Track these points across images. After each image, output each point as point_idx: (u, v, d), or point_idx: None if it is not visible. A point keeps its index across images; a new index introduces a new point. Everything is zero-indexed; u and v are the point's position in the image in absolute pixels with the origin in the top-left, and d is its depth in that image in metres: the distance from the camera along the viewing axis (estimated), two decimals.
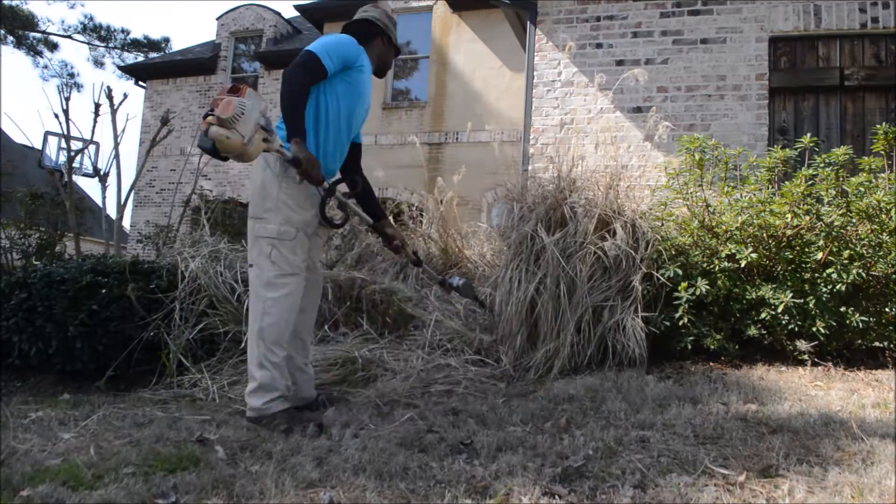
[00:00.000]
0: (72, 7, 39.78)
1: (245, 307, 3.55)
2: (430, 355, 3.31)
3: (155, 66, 15.00)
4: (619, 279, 3.46)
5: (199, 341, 3.47)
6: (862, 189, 3.46)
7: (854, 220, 3.44)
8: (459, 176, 5.23)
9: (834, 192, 3.49)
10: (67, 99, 6.11)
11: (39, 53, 19.58)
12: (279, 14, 14.21)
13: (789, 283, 3.38)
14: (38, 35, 19.35)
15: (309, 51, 2.54)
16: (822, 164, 3.58)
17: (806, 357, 3.34)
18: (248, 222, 2.59)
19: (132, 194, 7.00)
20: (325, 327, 3.59)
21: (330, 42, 2.61)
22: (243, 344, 3.40)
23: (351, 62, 2.64)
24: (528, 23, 6.08)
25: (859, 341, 3.43)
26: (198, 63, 14.01)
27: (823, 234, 3.40)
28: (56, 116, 6.13)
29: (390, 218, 3.17)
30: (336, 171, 2.80)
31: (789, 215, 3.45)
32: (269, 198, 2.52)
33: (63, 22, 35.13)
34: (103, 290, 3.57)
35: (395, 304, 3.76)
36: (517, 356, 3.36)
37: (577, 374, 3.17)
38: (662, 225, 3.88)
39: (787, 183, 3.55)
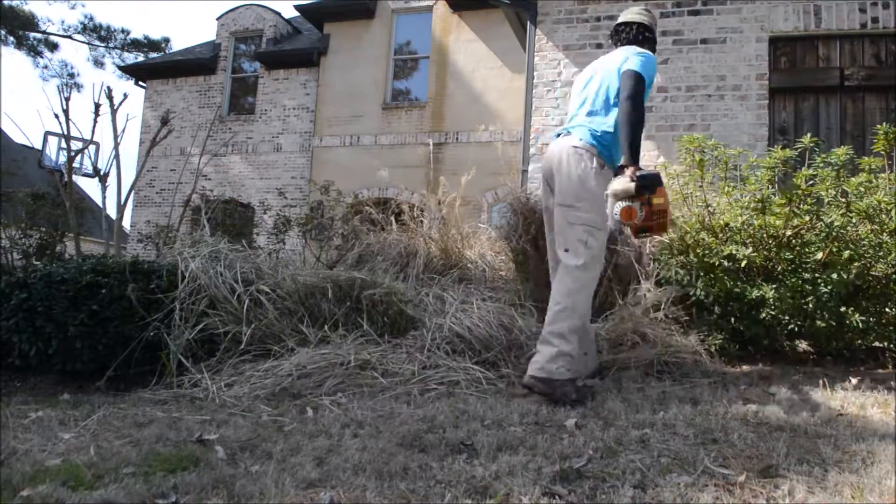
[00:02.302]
0: (72, 7, 39.72)
1: (245, 307, 3.56)
2: (429, 358, 3.30)
3: (155, 66, 15.00)
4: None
5: (199, 341, 3.47)
6: (862, 189, 3.46)
7: (854, 221, 3.44)
8: (469, 176, 5.22)
9: (834, 193, 3.49)
10: (67, 99, 6.10)
11: (39, 53, 19.58)
12: (279, 14, 14.21)
13: (789, 284, 3.38)
14: (39, 35, 19.36)
15: (636, 72, 2.73)
16: (821, 164, 3.58)
17: (806, 357, 3.34)
18: (559, 210, 2.81)
19: (132, 194, 7.00)
20: (325, 328, 3.59)
21: (649, 63, 2.82)
22: (243, 344, 3.41)
23: (652, 79, 2.86)
24: (528, 23, 6.08)
25: (859, 341, 3.43)
26: (198, 63, 14.01)
27: (824, 234, 3.40)
28: (56, 116, 6.13)
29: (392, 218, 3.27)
30: None
31: (789, 215, 3.45)
32: (587, 189, 2.74)
33: (63, 22, 35.11)
34: (103, 291, 3.57)
35: (396, 304, 3.75)
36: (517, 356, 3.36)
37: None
38: None
39: (787, 183, 3.55)
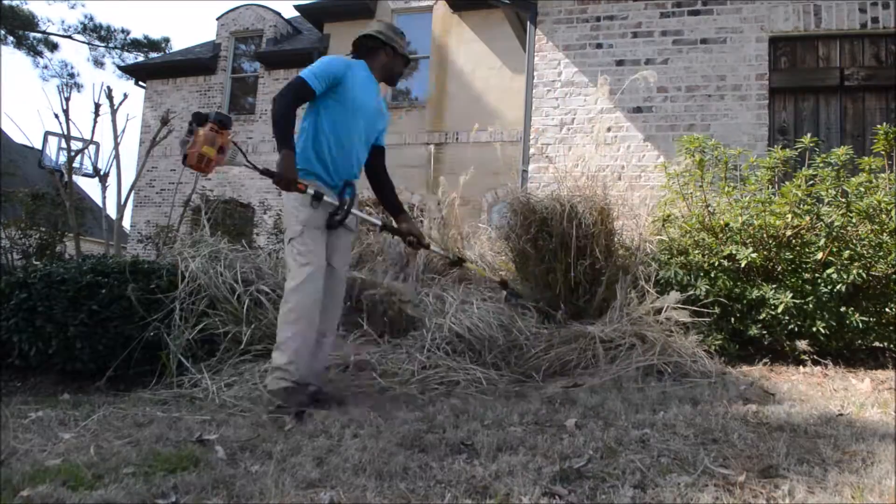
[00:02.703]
0: (72, 7, 39.74)
1: (245, 307, 3.57)
2: (429, 358, 3.30)
3: (155, 66, 15.00)
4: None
5: (199, 341, 3.47)
6: (862, 189, 3.46)
7: (854, 221, 3.44)
8: (467, 176, 5.22)
9: (834, 192, 3.49)
10: (67, 99, 6.11)
11: (39, 53, 19.59)
12: (279, 14, 14.21)
13: (789, 283, 3.38)
14: (39, 35, 19.36)
15: (298, 75, 2.84)
16: (822, 164, 3.58)
17: (806, 357, 3.34)
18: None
19: (132, 194, 7.00)
20: None
21: (317, 64, 2.88)
22: (243, 344, 3.41)
23: (339, 79, 2.86)
24: (528, 23, 6.08)
25: (859, 341, 3.43)
26: (198, 63, 14.01)
27: (824, 234, 3.40)
28: (56, 116, 6.14)
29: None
30: (355, 176, 3.03)
31: (789, 215, 3.45)
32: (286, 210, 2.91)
33: (63, 22, 35.05)
34: (103, 291, 3.57)
35: (395, 305, 3.75)
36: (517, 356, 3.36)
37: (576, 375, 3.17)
38: (663, 226, 3.88)
39: (787, 183, 3.55)
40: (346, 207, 2.89)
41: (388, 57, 3.05)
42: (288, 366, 2.68)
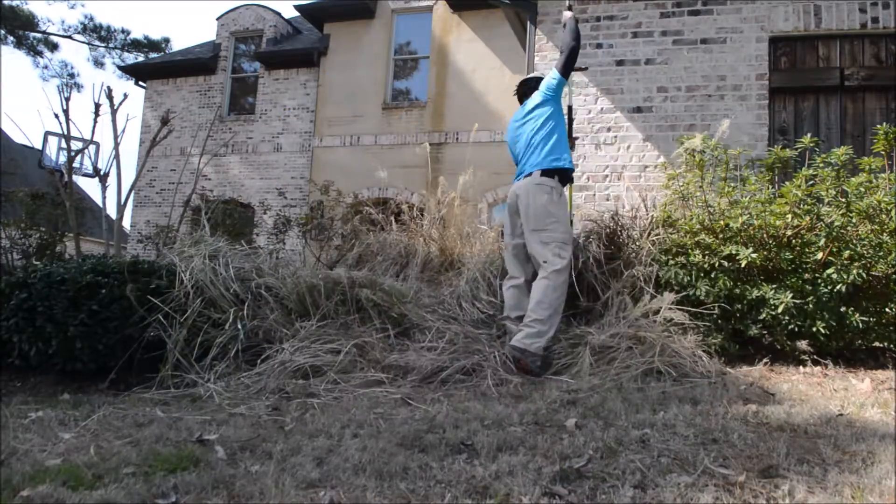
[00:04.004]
0: (72, 7, 39.72)
1: (245, 307, 3.57)
2: (429, 354, 3.30)
3: (155, 66, 14.99)
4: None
5: (200, 341, 3.46)
6: (862, 189, 3.46)
7: (854, 221, 3.44)
8: (466, 176, 5.22)
9: (834, 192, 3.49)
10: (67, 99, 6.10)
11: (39, 53, 19.57)
12: (279, 14, 14.21)
13: (789, 284, 3.38)
14: (39, 35, 19.34)
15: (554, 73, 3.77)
16: (822, 165, 3.58)
17: (806, 357, 3.34)
18: (531, 235, 3.53)
19: (132, 194, 7.00)
20: (326, 327, 3.58)
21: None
22: (243, 344, 3.41)
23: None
24: (529, 23, 6.07)
25: (859, 341, 3.43)
26: (198, 63, 14.00)
27: (824, 234, 3.40)
28: (56, 116, 6.12)
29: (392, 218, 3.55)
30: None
31: (790, 215, 3.45)
32: (551, 214, 3.49)
33: (63, 22, 34.93)
34: (103, 290, 3.57)
35: (396, 305, 3.75)
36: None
37: (576, 375, 3.17)
38: (663, 226, 3.88)
39: (787, 183, 3.55)
40: None
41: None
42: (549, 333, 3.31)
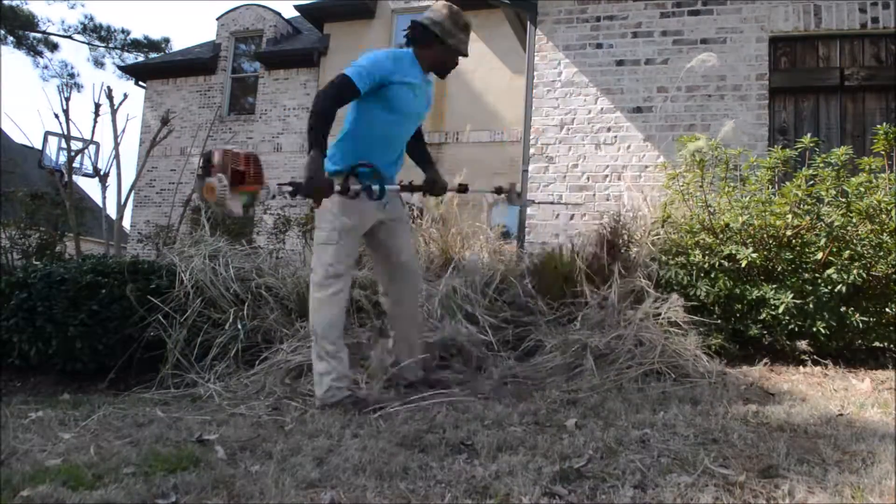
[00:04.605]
0: (72, 7, 39.71)
1: (245, 307, 3.57)
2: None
3: (155, 66, 15.00)
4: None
5: (200, 341, 3.46)
6: (862, 189, 3.46)
7: (854, 221, 3.44)
8: (461, 177, 5.21)
9: (834, 192, 3.49)
10: (67, 99, 6.12)
11: (39, 53, 19.58)
12: (279, 14, 14.21)
13: (789, 284, 3.38)
14: (39, 35, 19.36)
15: (343, 73, 2.67)
16: (822, 165, 3.57)
17: (806, 357, 3.34)
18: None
19: (132, 194, 7.00)
20: None
21: (365, 62, 2.71)
22: (243, 344, 3.41)
23: (388, 78, 2.72)
24: (529, 23, 6.07)
25: (859, 341, 3.43)
26: (198, 63, 14.00)
27: (824, 234, 3.40)
28: (56, 116, 6.14)
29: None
30: (395, 175, 2.97)
31: (790, 215, 3.45)
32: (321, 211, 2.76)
33: (63, 22, 34.92)
34: (103, 290, 3.57)
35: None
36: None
37: (577, 376, 3.17)
38: (663, 226, 3.88)
39: (787, 183, 3.55)
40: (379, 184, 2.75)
41: (440, 52, 2.84)
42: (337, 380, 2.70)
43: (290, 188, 2.53)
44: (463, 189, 3.33)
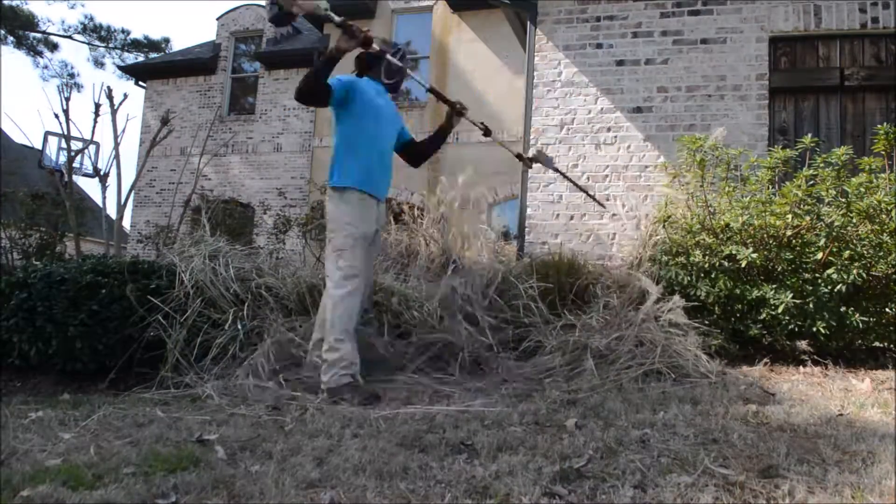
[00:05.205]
0: (72, 7, 39.79)
1: (245, 307, 3.57)
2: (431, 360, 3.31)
3: (155, 66, 14.99)
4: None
5: (200, 341, 3.46)
6: (862, 189, 3.46)
7: (854, 221, 3.44)
8: (464, 177, 5.23)
9: (834, 193, 3.49)
10: (67, 99, 6.12)
11: (39, 53, 19.59)
12: None
13: (789, 284, 3.38)
14: (39, 35, 19.36)
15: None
16: (822, 165, 3.58)
17: (806, 357, 3.34)
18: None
19: (132, 194, 7.01)
20: None
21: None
22: (243, 344, 3.41)
23: (350, 94, 3.13)
24: (529, 23, 6.07)
25: (859, 341, 3.43)
26: (198, 63, 14.00)
27: (824, 234, 3.40)
28: (56, 116, 6.14)
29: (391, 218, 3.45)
30: (386, 190, 3.31)
31: (790, 215, 3.45)
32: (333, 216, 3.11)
33: (63, 22, 34.94)
34: (103, 291, 3.57)
35: (394, 305, 3.75)
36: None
37: (577, 376, 3.17)
38: (663, 227, 3.88)
39: (787, 183, 3.55)
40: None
41: (379, 68, 3.28)
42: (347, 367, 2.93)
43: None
44: (487, 131, 3.68)
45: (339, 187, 3.09)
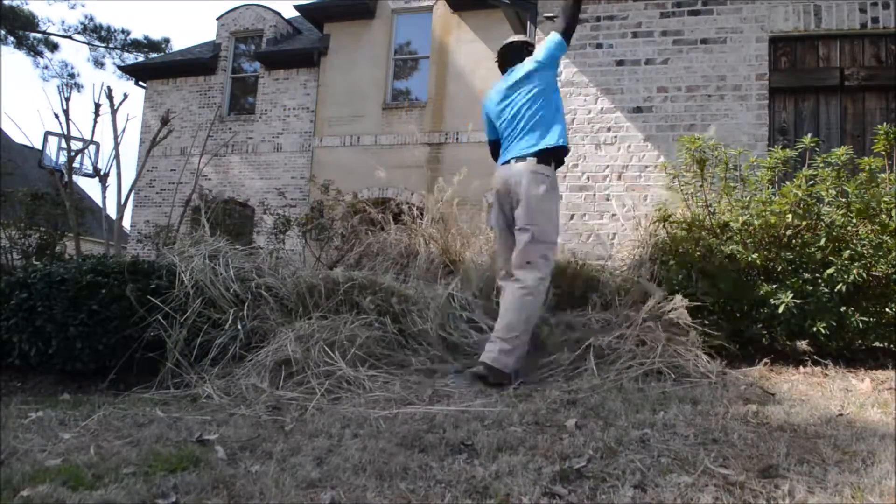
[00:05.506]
0: (72, 7, 39.80)
1: (245, 307, 3.57)
2: (432, 360, 3.30)
3: (155, 66, 15.00)
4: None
5: (200, 342, 3.46)
6: (863, 189, 3.46)
7: (854, 221, 3.44)
8: (461, 176, 5.23)
9: (834, 193, 3.49)
10: (67, 99, 6.11)
11: (40, 53, 19.61)
12: (279, 14, 14.21)
13: (789, 284, 3.38)
14: (39, 35, 19.38)
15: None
16: (822, 165, 3.57)
17: (806, 357, 3.34)
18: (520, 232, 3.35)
19: (132, 194, 7.00)
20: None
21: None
22: (243, 344, 3.41)
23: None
24: (528, 23, 6.07)
25: (859, 341, 3.43)
26: (198, 63, 14.01)
27: (824, 234, 3.40)
28: (56, 116, 6.13)
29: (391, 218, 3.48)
30: None
31: (790, 215, 3.45)
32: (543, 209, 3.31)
33: (63, 22, 34.91)
34: (103, 290, 3.57)
35: (394, 305, 3.75)
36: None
37: (578, 376, 3.17)
38: (663, 226, 3.88)
39: (787, 183, 3.55)
40: None
41: None
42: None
43: None
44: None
45: (544, 172, 3.28)
